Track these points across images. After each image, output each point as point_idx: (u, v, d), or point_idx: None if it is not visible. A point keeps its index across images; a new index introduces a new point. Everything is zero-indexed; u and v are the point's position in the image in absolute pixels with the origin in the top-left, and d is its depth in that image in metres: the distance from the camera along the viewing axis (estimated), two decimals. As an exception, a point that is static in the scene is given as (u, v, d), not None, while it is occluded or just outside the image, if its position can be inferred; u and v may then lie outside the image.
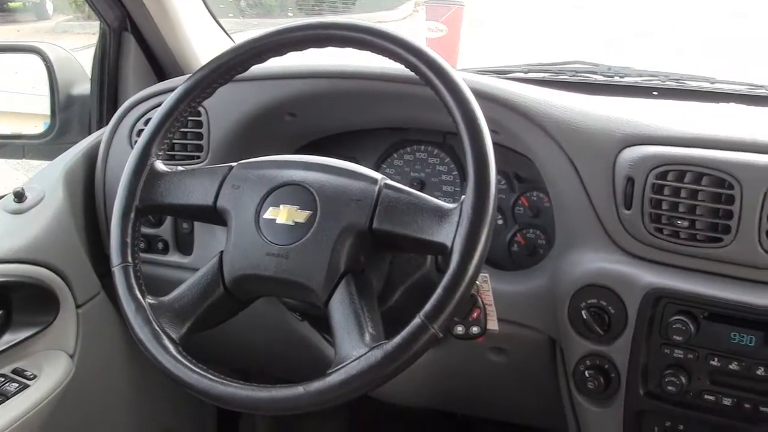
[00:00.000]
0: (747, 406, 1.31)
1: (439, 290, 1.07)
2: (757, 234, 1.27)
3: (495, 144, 1.12)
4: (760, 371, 1.28)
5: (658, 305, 1.35)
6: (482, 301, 1.40)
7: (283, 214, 1.19)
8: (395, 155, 1.69)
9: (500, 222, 1.63)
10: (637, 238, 1.37)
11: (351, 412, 2.16)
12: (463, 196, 1.10)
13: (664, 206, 1.32)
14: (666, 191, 1.32)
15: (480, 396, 1.69)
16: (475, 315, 1.41)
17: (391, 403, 1.75)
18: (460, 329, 1.42)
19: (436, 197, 1.17)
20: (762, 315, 1.27)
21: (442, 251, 1.11)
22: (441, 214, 1.13)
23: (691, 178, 1.29)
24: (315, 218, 1.17)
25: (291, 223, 1.18)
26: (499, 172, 1.12)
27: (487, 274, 1.41)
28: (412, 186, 1.45)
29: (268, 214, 1.20)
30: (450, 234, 1.09)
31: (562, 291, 1.43)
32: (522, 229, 1.64)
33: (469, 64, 2.23)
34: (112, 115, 1.69)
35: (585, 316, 1.40)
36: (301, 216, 1.18)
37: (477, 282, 1.13)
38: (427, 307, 1.07)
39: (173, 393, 1.72)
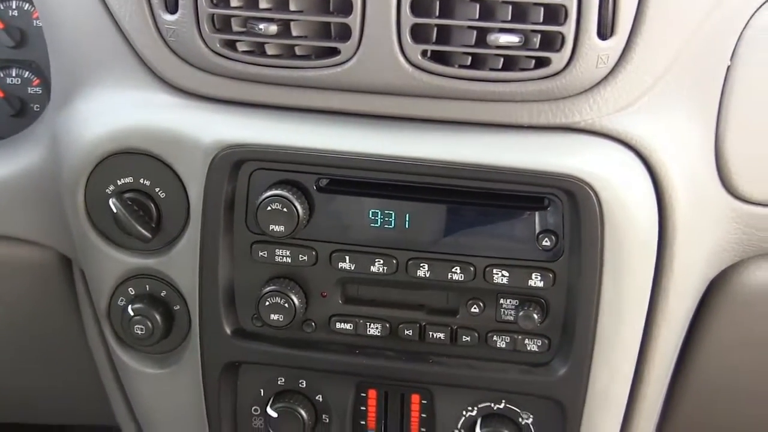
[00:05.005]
0: (408, 332, 1.11)
1: None
2: (394, 33, 1.01)
3: None
4: (423, 270, 1.07)
5: (237, 175, 1.10)
6: None
7: None
8: None
9: None
10: (194, 63, 1.11)
11: None
12: None
13: (235, 1, 1.06)
14: None
15: None
16: None
17: None
18: None
19: None
20: (413, 173, 1.04)
21: None
22: None
23: None
24: None
25: None
26: None
27: None
28: None
29: None
30: None
31: (72, 169, 1.16)
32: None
33: None
34: None
35: (116, 209, 1.11)
36: None
37: None
38: None
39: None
